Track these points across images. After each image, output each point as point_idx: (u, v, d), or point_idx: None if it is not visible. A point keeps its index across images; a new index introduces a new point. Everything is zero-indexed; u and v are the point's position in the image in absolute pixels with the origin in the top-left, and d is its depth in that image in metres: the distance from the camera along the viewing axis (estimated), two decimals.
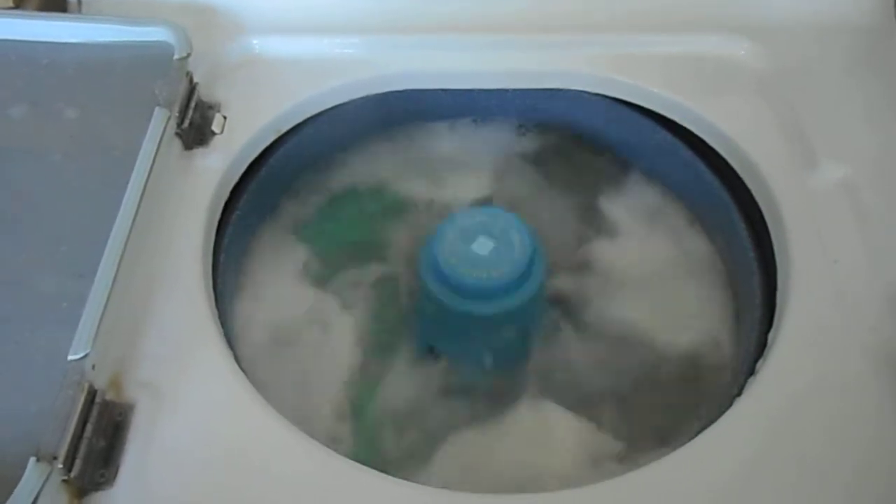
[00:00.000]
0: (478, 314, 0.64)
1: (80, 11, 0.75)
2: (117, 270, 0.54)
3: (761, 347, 0.56)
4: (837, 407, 0.52)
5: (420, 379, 0.68)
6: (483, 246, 0.64)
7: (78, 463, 0.46)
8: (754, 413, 0.52)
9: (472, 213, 0.67)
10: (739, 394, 0.53)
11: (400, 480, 0.49)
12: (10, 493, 0.43)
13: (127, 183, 0.59)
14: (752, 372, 0.55)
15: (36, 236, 0.59)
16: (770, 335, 0.56)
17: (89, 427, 0.48)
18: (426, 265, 0.65)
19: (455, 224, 0.65)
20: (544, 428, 0.64)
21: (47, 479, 0.44)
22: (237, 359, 0.55)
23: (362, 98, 0.73)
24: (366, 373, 0.67)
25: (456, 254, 0.63)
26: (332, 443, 0.56)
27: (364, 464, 0.49)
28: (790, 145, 0.66)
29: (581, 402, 0.65)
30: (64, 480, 0.46)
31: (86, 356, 0.50)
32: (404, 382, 0.67)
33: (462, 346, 0.69)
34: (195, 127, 0.66)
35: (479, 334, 0.67)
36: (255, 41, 0.74)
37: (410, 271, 0.71)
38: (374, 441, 0.64)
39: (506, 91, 0.75)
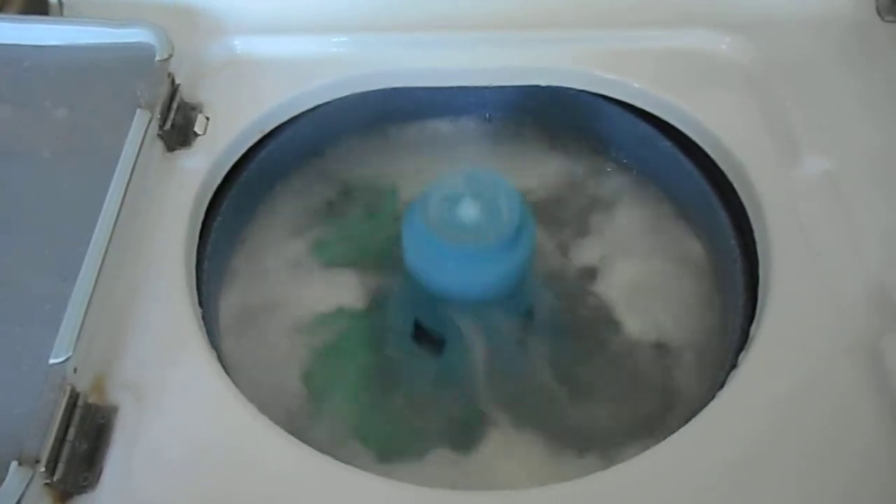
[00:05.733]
0: (464, 283, 0.63)
1: (61, 14, 0.75)
2: (99, 273, 0.54)
3: (744, 340, 0.57)
4: (819, 399, 0.52)
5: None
6: (469, 211, 0.61)
7: (61, 466, 0.46)
8: (736, 406, 0.52)
9: (457, 176, 0.63)
10: (722, 386, 0.54)
11: (385, 479, 0.49)
12: None
13: (110, 185, 0.59)
14: (734, 364, 0.55)
15: (20, 238, 0.59)
16: (752, 328, 0.56)
17: (72, 430, 0.47)
18: (409, 234, 0.63)
19: (439, 189, 0.62)
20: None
21: (29, 482, 0.44)
22: (221, 360, 0.55)
23: (345, 97, 0.73)
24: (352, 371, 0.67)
25: (440, 219, 0.60)
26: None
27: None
28: (773, 139, 0.66)
29: (554, 393, 0.65)
30: (46, 484, 0.46)
31: (67, 359, 0.49)
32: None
33: (449, 321, 0.67)
34: (177, 128, 0.66)
35: (466, 306, 0.66)
36: (236, 41, 0.73)
37: (395, 270, 0.71)
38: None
39: (484, 88, 0.75)
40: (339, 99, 0.73)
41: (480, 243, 0.60)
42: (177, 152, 0.65)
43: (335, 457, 0.50)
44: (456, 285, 0.64)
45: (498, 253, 0.61)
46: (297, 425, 0.62)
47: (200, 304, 0.58)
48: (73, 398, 0.49)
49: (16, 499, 0.44)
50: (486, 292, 0.65)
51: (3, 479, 0.44)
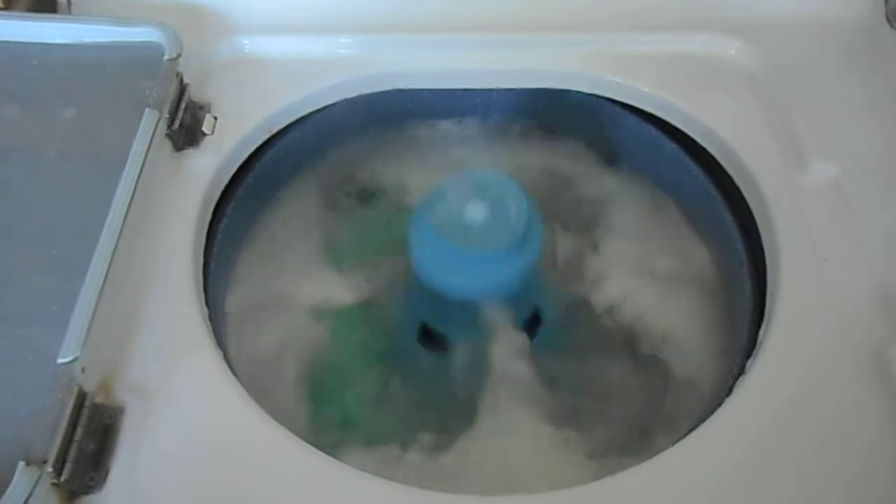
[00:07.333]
0: (471, 285, 0.63)
1: (69, 12, 0.75)
2: (107, 273, 0.54)
3: (751, 346, 0.57)
4: (827, 406, 0.52)
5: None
6: (477, 212, 0.60)
7: (68, 466, 0.46)
8: (744, 412, 0.52)
9: (465, 178, 0.63)
10: (730, 392, 0.54)
11: (389, 482, 0.49)
12: (0, 497, 0.43)
13: (118, 184, 0.58)
14: (742, 371, 0.55)
15: (27, 237, 0.59)
16: (760, 334, 0.56)
17: (79, 430, 0.47)
18: (417, 236, 0.63)
19: (447, 190, 0.62)
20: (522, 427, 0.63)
21: (37, 483, 0.44)
22: (228, 360, 0.55)
23: (352, 98, 0.73)
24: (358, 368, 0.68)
25: (448, 221, 0.60)
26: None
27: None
28: (780, 144, 0.66)
29: (563, 401, 0.65)
30: (54, 484, 0.46)
31: (75, 359, 0.49)
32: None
33: (456, 323, 0.68)
34: (185, 128, 0.66)
35: (473, 307, 0.65)
36: (245, 41, 0.74)
37: (401, 270, 0.71)
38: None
39: (491, 90, 0.75)
40: (347, 99, 0.73)
41: (488, 245, 0.60)
42: (185, 152, 0.65)
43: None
44: (463, 287, 0.64)
45: (505, 255, 0.61)
46: (304, 425, 0.62)
47: (207, 303, 0.58)
48: (81, 398, 0.49)
49: (23, 499, 0.44)
50: (492, 294, 0.64)
51: (11, 480, 0.44)
